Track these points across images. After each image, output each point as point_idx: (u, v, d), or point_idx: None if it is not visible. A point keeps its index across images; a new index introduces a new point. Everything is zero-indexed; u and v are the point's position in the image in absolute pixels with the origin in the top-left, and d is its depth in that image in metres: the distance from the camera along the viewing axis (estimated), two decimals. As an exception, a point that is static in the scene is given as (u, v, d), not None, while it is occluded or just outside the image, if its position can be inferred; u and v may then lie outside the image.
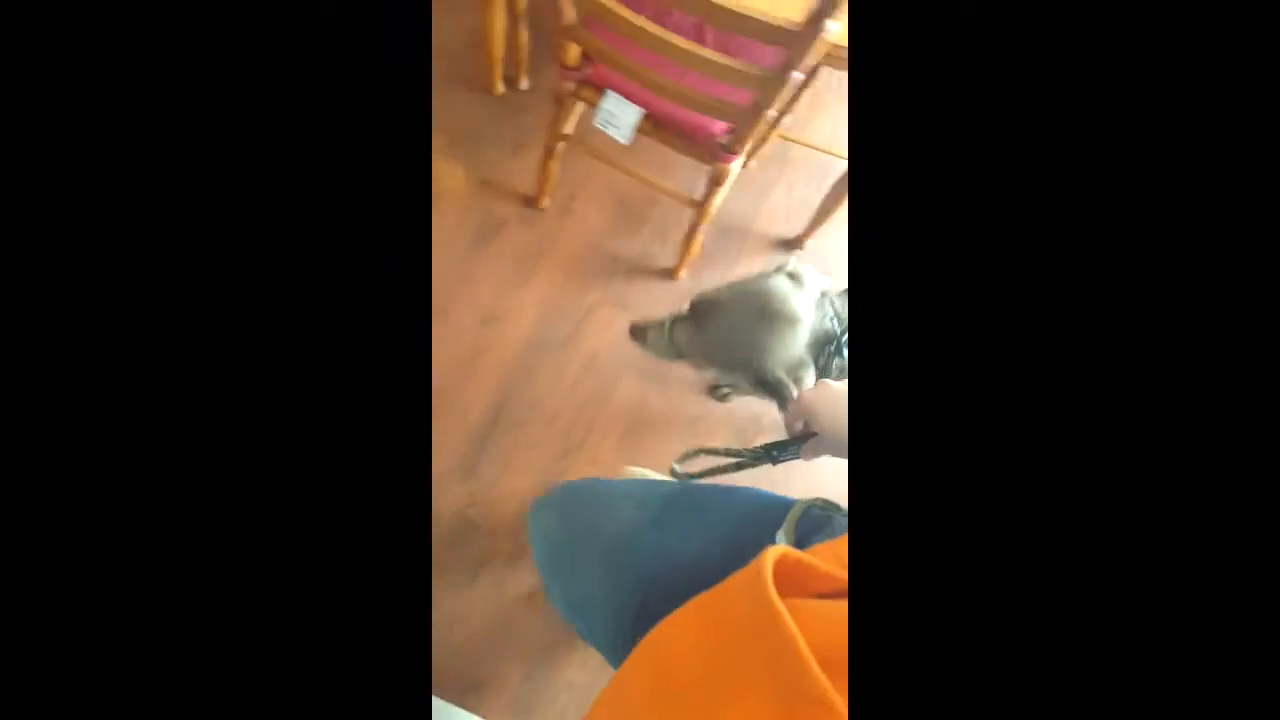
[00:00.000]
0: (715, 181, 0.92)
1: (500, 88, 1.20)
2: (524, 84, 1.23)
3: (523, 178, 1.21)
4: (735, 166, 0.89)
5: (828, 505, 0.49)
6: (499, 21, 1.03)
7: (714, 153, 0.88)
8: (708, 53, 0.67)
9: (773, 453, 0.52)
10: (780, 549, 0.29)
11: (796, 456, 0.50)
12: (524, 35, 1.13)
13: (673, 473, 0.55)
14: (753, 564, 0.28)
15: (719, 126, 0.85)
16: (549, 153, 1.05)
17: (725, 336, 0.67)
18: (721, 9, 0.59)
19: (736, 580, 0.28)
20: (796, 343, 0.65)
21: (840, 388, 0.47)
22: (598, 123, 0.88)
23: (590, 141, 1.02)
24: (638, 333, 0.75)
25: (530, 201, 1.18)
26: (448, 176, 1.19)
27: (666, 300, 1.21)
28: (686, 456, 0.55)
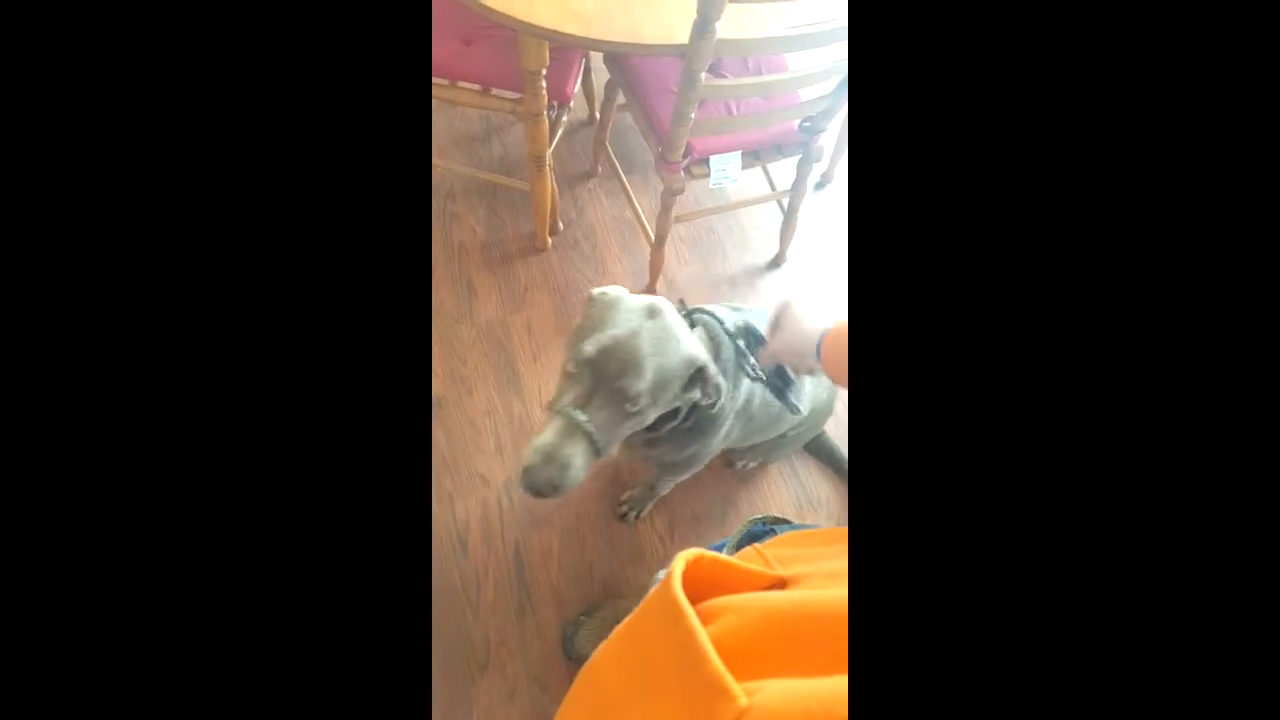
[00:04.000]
0: (810, 160, 1.17)
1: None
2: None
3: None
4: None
5: (774, 520, 0.53)
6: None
7: (804, 143, 1.15)
8: (795, 72, 1.01)
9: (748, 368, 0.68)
10: (694, 553, 0.30)
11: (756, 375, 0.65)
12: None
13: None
14: (667, 572, 0.29)
15: (795, 124, 1.14)
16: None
17: (628, 358, 0.60)
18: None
19: (654, 592, 0.29)
20: (682, 331, 0.64)
21: (796, 311, 0.60)
22: (713, 185, 1.14)
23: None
24: (536, 485, 0.59)
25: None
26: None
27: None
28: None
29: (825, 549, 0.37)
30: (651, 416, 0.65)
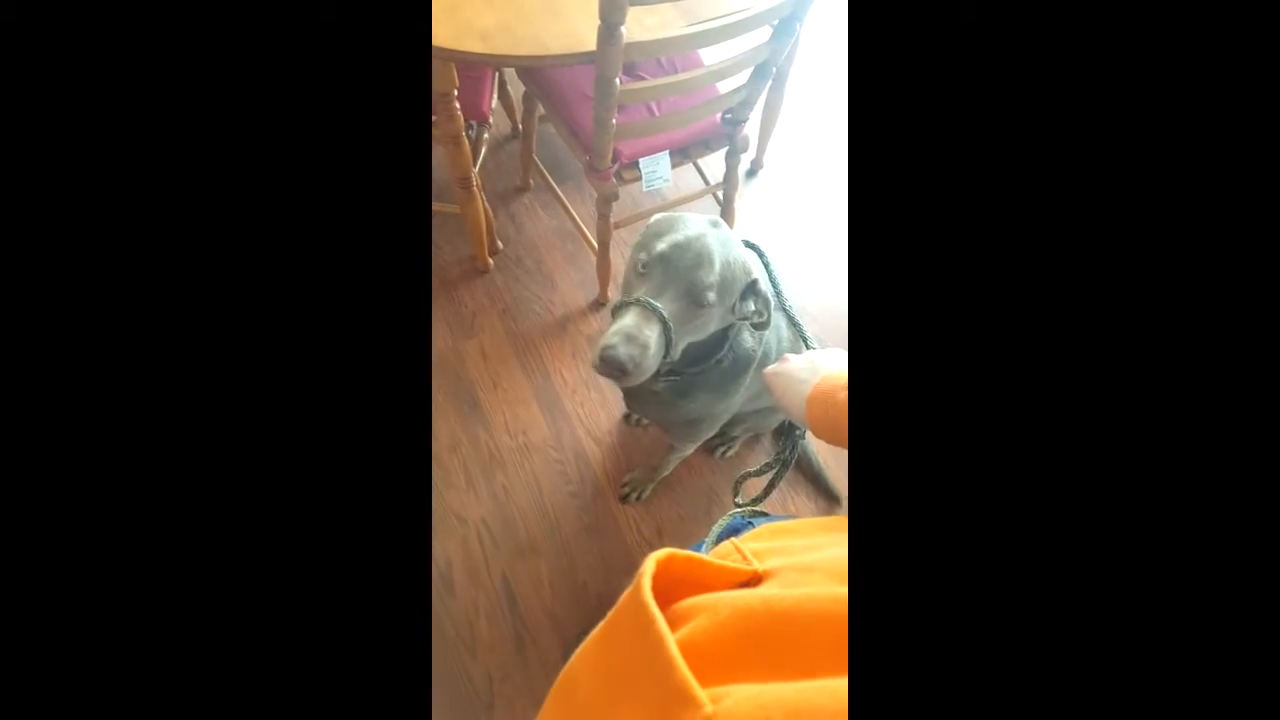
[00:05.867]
0: (738, 150, 1.17)
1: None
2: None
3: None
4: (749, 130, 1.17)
5: (753, 513, 0.56)
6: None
7: (729, 135, 1.15)
8: (710, 66, 1.00)
9: (781, 455, 0.65)
10: (665, 553, 0.30)
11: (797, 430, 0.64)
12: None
13: (736, 505, 0.63)
14: (637, 573, 0.29)
15: (717, 118, 1.14)
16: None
17: (702, 251, 0.64)
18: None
19: (624, 597, 0.29)
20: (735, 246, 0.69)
21: (784, 368, 0.57)
22: (646, 188, 1.13)
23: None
24: (618, 358, 0.61)
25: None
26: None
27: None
28: (738, 484, 0.66)
29: (799, 541, 0.37)
30: (712, 324, 0.69)
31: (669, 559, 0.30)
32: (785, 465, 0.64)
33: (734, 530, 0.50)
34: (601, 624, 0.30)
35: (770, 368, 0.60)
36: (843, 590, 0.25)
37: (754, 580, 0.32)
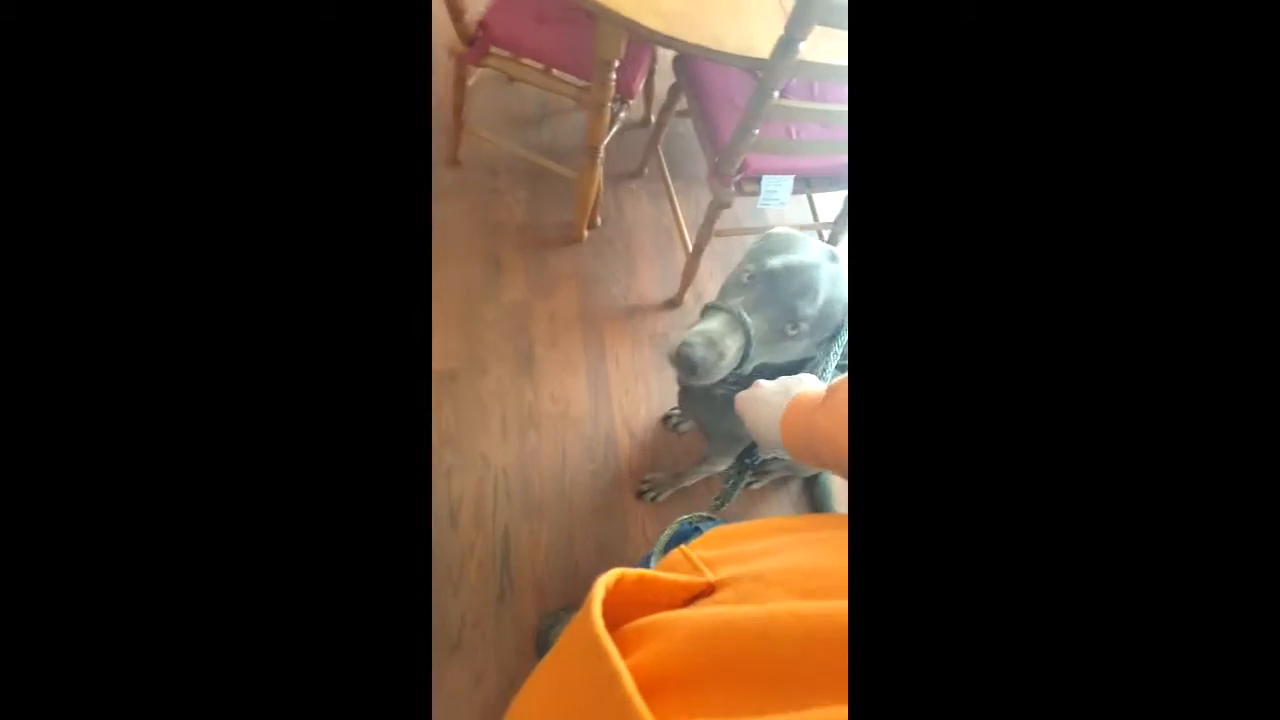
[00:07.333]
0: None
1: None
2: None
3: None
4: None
5: (700, 518, 0.55)
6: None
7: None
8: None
9: (744, 460, 0.65)
10: (615, 574, 0.29)
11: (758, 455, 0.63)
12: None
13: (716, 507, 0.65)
14: (587, 598, 0.28)
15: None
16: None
17: (809, 282, 0.63)
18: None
19: (573, 624, 0.28)
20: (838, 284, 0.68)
21: (756, 392, 0.55)
22: (761, 205, 1.13)
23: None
24: (692, 358, 0.60)
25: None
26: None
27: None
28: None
29: (751, 545, 0.35)
30: (794, 354, 0.68)
31: (618, 580, 0.29)
32: (741, 473, 0.64)
33: (683, 537, 0.50)
34: (549, 655, 0.29)
35: (742, 393, 0.57)
36: (802, 606, 0.24)
37: (706, 591, 0.30)
